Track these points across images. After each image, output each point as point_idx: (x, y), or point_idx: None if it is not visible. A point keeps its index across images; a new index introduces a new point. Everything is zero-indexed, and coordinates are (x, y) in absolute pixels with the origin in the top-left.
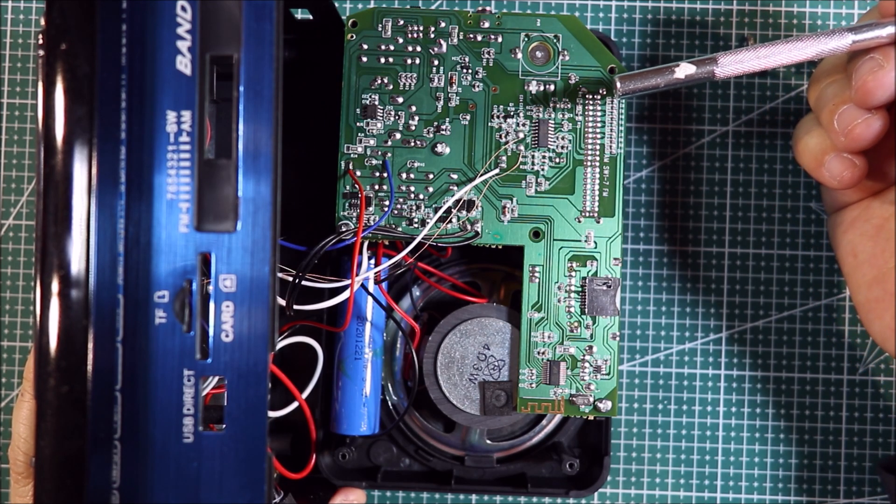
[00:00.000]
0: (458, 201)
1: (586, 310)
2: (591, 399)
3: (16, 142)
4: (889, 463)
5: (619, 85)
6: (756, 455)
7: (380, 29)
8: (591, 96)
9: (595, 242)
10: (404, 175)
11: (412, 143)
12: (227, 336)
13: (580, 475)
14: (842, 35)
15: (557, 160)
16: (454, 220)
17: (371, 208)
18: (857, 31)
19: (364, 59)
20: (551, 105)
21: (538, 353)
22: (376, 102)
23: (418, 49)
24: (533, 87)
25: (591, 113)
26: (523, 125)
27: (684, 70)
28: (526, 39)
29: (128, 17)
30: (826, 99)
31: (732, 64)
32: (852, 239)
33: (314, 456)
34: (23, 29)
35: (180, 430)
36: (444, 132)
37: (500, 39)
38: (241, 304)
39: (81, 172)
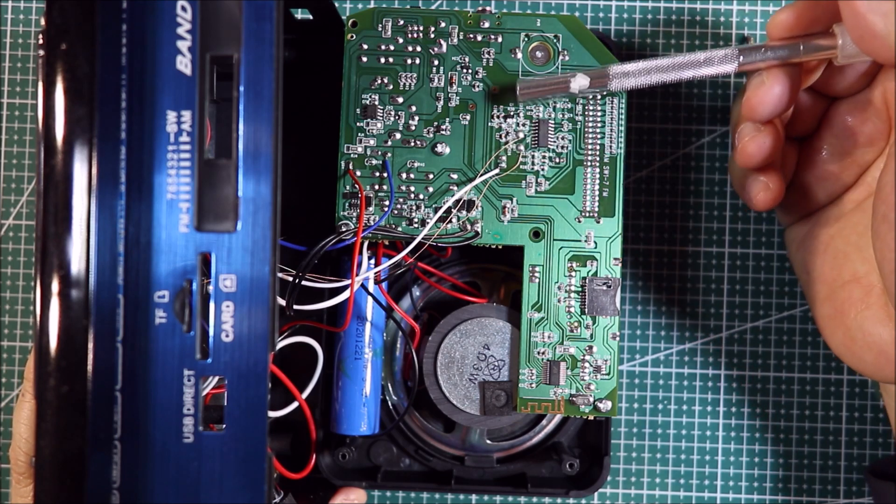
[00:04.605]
0: (458, 201)
1: (586, 310)
2: (591, 399)
3: (16, 142)
4: (878, 467)
5: (518, 90)
6: (756, 455)
7: (380, 29)
8: (591, 97)
9: (595, 242)
10: (404, 175)
11: (412, 143)
12: (227, 336)
13: (580, 475)
14: (731, 58)
15: (557, 160)
16: (454, 220)
17: (371, 208)
18: (745, 53)
19: (364, 59)
20: (551, 105)
21: (538, 353)
22: (376, 102)
23: (418, 49)
24: None
25: (591, 113)
26: (523, 125)
27: (578, 83)
28: (526, 39)
29: (128, 18)
30: (732, 117)
31: (623, 77)
32: (804, 256)
33: (314, 456)
34: (23, 29)
35: (180, 430)
36: (444, 132)
37: (500, 39)
38: (241, 304)
39: (81, 172)
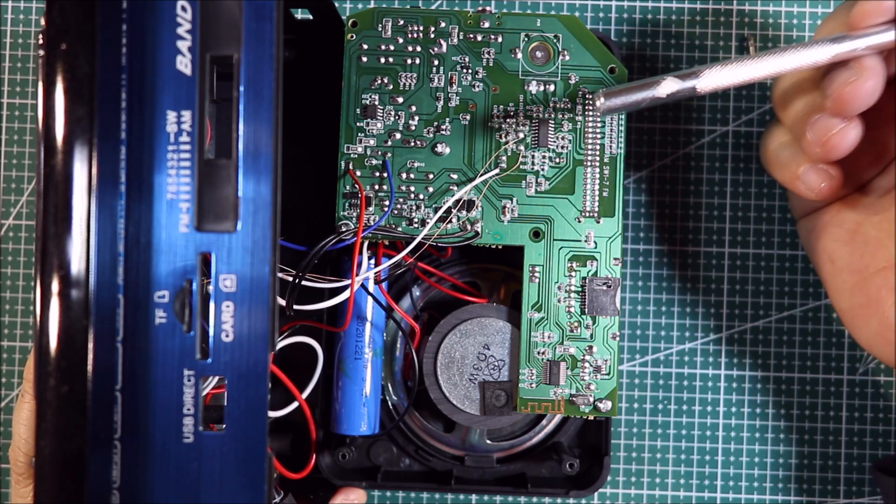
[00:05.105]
0: (458, 201)
1: (586, 310)
2: (591, 399)
3: (16, 142)
4: (884, 464)
5: (600, 102)
6: (756, 455)
7: (380, 29)
8: (591, 96)
9: (595, 242)
10: (404, 175)
11: (412, 143)
12: (227, 336)
13: (580, 475)
14: (823, 46)
15: (557, 160)
16: (454, 220)
17: (371, 208)
18: (838, 41)
19: (364, 59)
20: (551, 105)
21: (538, 353)
22: (376, 102)
23: (418, 49)
24: (533, 87)
25: (591, 113)
26: (523, 125)
27: (667, 87)
28: (526, 39)
29: (128, 18)
30: (796, 109)
31: (715, 78)
32: (827, 245)
33: (314, 456)
34: (23, 29)
35: (180, 430)
36: (444, 132)
37: (500, 39)
38: (241, 304)
39: (81, 172)
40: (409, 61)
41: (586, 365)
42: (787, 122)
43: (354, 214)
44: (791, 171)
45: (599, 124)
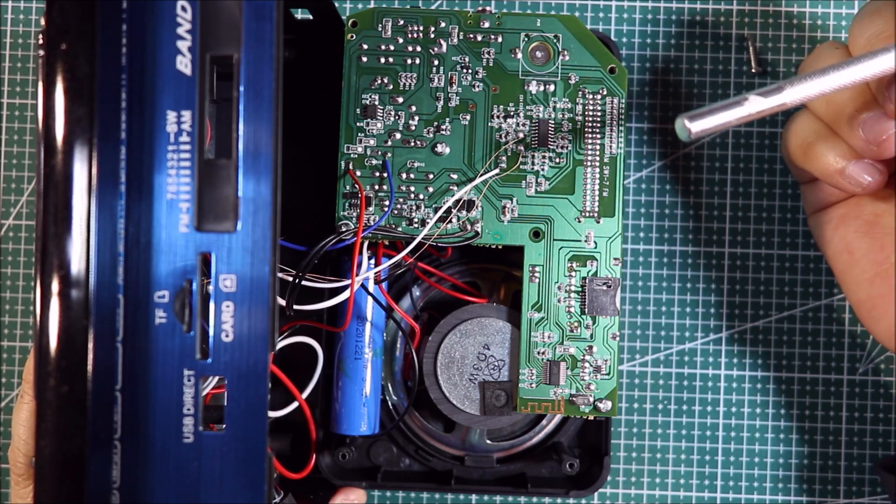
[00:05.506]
0: (458, 201)
1: (586, 310)
2: (591, 399)
3: (16, 142)
4: (889, 463)
5: (688, 124)
6: (756, 455)
7: (380, 29)
8: (591, 96)
9: (595, 242)
10: (404, 175)
11: (412, 143)
12: (227, 336)
13: (580, 475)
14: None
15: (557, 160)
16: (454, 220)
17: (371, 208)
18: None
19: (364, 59)
20: (551, 105)
21: (538, 353)
22: (376, 102)
23: (418, 49)
24: (533, 87)
25: (591, 113)
26: (523, 125)
27: (756, 104)
28: (526, 39)
29: (128, 18)
30: (841, 104)
31: (800, 90)
32: (845, 236)
33: (314, 456)
34: (23, 29)
35: (180, 430)
36: (444, 132)
37: (500, 39)
38: (241, 304)
39: (81, 172)
40: (409, 61)
41: (586, 365)
42: (831, 120)
43: (354, 214)
44: (830, 164)
45: (599, 124)
